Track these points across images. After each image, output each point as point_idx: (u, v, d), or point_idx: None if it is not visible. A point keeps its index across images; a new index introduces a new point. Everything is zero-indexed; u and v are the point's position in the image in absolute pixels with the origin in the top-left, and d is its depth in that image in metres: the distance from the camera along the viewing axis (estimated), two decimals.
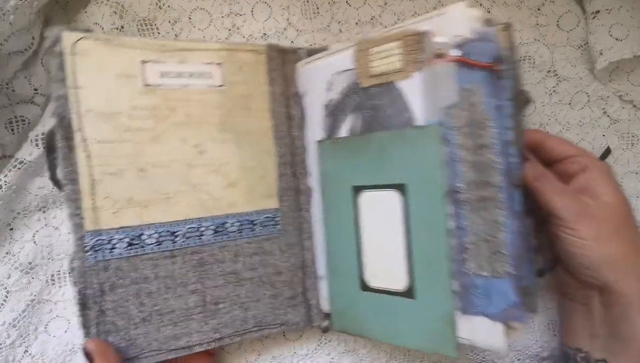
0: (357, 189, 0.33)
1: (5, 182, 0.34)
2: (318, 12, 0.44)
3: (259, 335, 0.37)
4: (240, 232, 0.36)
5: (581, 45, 0.44)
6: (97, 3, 0.37)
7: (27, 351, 0.37)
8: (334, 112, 0.34)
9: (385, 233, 0.31)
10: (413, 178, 0.29)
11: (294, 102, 0.39)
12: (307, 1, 0.43)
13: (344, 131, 0.34)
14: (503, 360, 0.45)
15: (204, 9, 0.41)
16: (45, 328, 0.38)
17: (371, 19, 0.44)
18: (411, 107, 0.29)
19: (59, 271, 0.38)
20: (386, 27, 0.44)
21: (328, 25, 0.44)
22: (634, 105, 0.44)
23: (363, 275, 0.33)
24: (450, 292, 0.28)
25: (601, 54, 0.41)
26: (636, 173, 0.44)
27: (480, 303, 0.27)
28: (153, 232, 0.33)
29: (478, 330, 0.27)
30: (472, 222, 0.27)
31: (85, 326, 0.32)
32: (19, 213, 0.37)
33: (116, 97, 0.32)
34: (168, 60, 0.34)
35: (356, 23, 0.44)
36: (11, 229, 0.37)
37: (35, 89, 0.36)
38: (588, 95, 0.44)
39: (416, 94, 0.29)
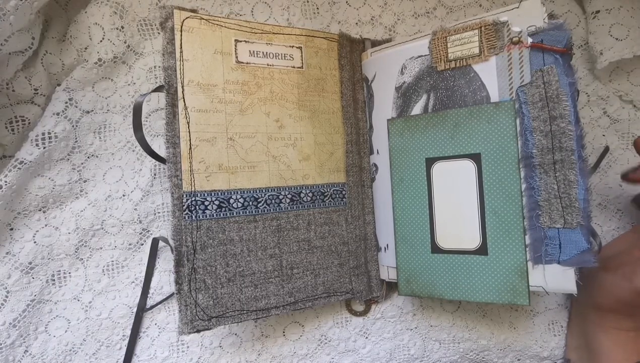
0: (430, 161, 0.36)
1: (5, 182, 0.34)
2: (318, 12, 0.44)
3: (327, 301, 0.39)
4: (313, 202, 0.39)
5: (581, 45, 0.44)
6: (97, 3, 0.37)
7: (27, 351, 0.37)
8: (407, 93, 0.38)
9: (458, 198, 0.35)
10: (488, 148, 0.34)
11: (359, 86, 0.42)
12: (307, 1, 0.43)
13: (416, 109, 0.38)
14: (503, 360, 0.45)
15: (204, 9, 0.41)
16: (45, 328, 0.38)
17: (371, 19, 0.44)
18: (487, 87, 0.34)
19: (59, 271, 0.38)
20: (386, 27, 0.45)
21: (328, 25, 0.44)
22: (634, 105, 0.44)
23: (434, 239, 0.36)
24: (522, 246, 0.32)
25: (601, 54, 0.41)
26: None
27: (553, 252, 0.31)
28: (239, 196, 0.36)
29: (550, 277, 0.32)
30: (545, 182, 0.32)
31: (178, 282, 0.33)
32: (19, 213, 0.37)
33: (213, 71, 0.35)
34: (257, 41, 0.37)
35: (356, 23, 0.44)
36: (11, 229, 0.37)
37: (35, 89, 0.36)
38: (588, 95, 0.44)
39: (492, 75, 0.34)
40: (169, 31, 0.34)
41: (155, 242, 0.40)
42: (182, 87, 0.34)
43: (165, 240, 0.40)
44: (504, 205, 0.33)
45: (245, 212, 0.36)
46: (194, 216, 0.34)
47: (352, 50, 0.42)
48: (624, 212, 0.45)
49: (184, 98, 0.34)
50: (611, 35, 0.41)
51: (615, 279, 0.36)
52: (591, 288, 0.38)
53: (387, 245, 0.40)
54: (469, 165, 0.34)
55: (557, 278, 0.31)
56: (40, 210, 0.38)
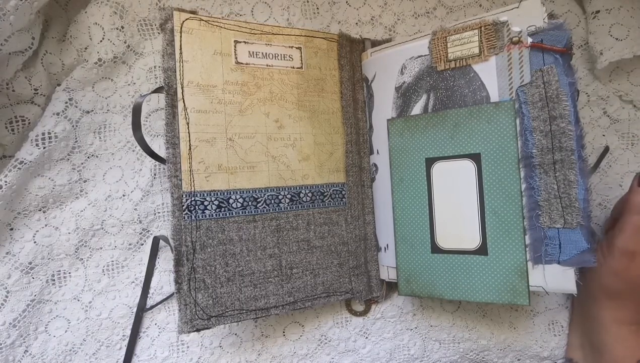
0: (430, 161, 0.36)
1: (5, 182, 0.34)
2: (318, 12, 0.44)
3: (326, 301, 0.39)
4: (313, 202, 0.39)
5: (581, 45, 0.44)
6: (97, 3, 0.37)
7: (27, 351, 0.37)
8: (406, 93, 0.38)
9: (458, 198, 0.35)
10: (488, 148, 0.34)
11: (359, 86, 0.42)
12: (307, 1, 0.43)
13: (416, 109, 0.38)
14: (503, 360, 0.45)
15: (204, 9, 0.41)
16: (45, 328, 0.38)
17: (371, 19, 0.44)
18: (487, 87, 0.34)
19: (59, 271, 0.38)
20: (386, 27, 0.45)
21: (328, 25, 0.44)
22: (634, 105, 0.44)
23: (434, 239, 0.36)
24: (522, 246, 0.32)
25: (601, 54, 0.41)
26: (636, 173, 0.44)
27: (553, 252, 0.31)
28: (239, 196, 0.36)
29: (550, 277, 0.32)
30: (545, 182, 0.31)
31: (178, 282, 0.34)
32: (19, 213, 0.37)
33: (213, 72, 0.36)
34: (256, 42, 0.37)
35: (356, 23, 0.44)
36: (11, 229, 0.37)
37: (35, 89, 0.36)
38: (588, 95, 0.44)
39: (492, 75, 0.34)
40: (168, 33, 0.34)
41: (156, 240, 0.40)
42: (182, 88, 0.34)
43: (166, 239, 0.40)
44: (504, 205, 0.33)
45: (245, 212, 0.36)
46: (193, 216, 0.34)
47: (352, 50, 0.42)
48: None
49: (183, 99, 0.34)
50: (611, 35, 0.41)
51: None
52: (599, 272, 0.38)
53: (387, 245, 0.40)
54: (468, 165, 0.34)
55: (557, 278, 0.31)
56: (40, 210, 0.38)
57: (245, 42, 0.37)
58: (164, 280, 0.41)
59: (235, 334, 0.42)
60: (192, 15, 0.35)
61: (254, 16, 0.42)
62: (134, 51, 0.39)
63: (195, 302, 0.34)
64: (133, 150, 0.40)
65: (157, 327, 0.41)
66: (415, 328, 0.44)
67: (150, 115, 0.40)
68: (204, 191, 0.35)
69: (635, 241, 0.35)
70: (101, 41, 0.37)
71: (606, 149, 0.44)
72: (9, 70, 0.33)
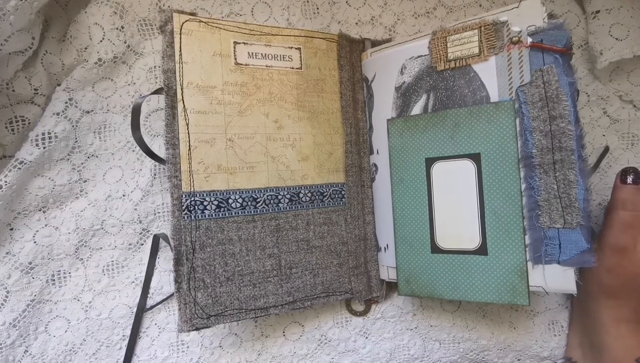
0: (430, 161, 0.36)
1: (5, 182, 0.34)
2: (318, 12, 0.44)
3: (326, 301, 0.39)
4: (312, 202, 0.39)
5: (581, 45, 0.44)
6: (97, 3, 0.37)
7: (27, 351, 0.37)
8: (406, 93, 0.38)
9: (458, 198, 0.35)
10: (488, 148, 0.34)
11: (359, 87, 0.42)
12: (307, 1, 0.43)
13: (416, 109, 0.38)
14: (503, 360, 0.45)
15: (204, 9, 0.41)
16: (45, 328, 0.38)
17: (371, 19, 0.44)
18: (487, 87, 0.34)
19: (59, 271, 0.38)
20: (386, 27, 0.45)
21: (328, 25, 0.44)
22: (634, 105, 0.44)
23: (434, 239, 0.36)
24: (522, 246, 0.32)
25: (601, 54, 0.41)
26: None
27: (553, 252, 0.31)
28: (238, 196, 0.36)
29: (550, 277, 0.32)
30: (545, 182, 0.31)
31: (178, 281, 0.34)
32: (19, 213, 0.37)
33: (212, 73, 0.36)
34: (255, 43, 0.38)
35: (356, 23, 0.44)
36: (11, 229, 0.37)
37: (35, 89, 0.36)
38: (588, 95, 0.44)
39: (492, 75, 0.34)
40: (168, 34, 0.35)
41: (156, 239, 0.40)
42: (182, 89, 0.34)
43: (166, 238, 0.40)
44: (504, 205, 0.33)
45: (244, 212, 0.36)
46: (193, 216, 0.34)
47: (351, 50, 0.42)
48: None
49: (183, 100, 0.34)
50: (611, 35, 0.41)
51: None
52: (595, 270, 0.37)
53: (387, 245, 0.40)
54: (468, 165, 0.34)
55: (557, 278, 0.31)
56: (40, 210, 0.38)
57: (244, 43, 0.37)
58: (164, 280, 0.41)
59: (235, 334, 0.42)
60: (191, 17, 0.35)
61: (254, 16, 0.42)
62: (134, 51, 0.39)
63: (195, 301, 0.34)
64: (133, 150, 0.40)
65: (157, 327, 0.41)
66: (415, 328, 0.44)
67: (150, 115, 0.40)
68: (204, 191, 0.35)
69: (623, 237, 0.35)
70: (101, 41, 0.37)
71: (606, 149, 0.44)
72: (9, 70, 0.33)
